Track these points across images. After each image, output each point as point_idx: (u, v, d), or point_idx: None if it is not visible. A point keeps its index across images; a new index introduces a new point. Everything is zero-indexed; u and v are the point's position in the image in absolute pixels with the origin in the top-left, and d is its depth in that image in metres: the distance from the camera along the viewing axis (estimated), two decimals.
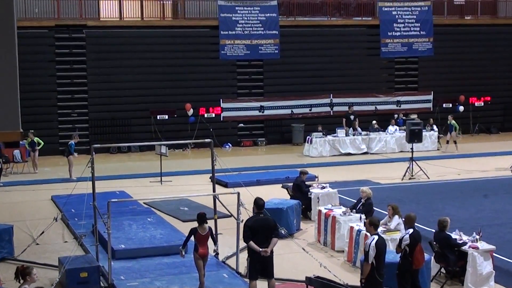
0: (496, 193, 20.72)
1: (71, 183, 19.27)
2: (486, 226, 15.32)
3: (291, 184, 18.71)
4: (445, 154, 28.75)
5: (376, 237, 10.91)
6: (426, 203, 19.20)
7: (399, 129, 30.13)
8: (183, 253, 12.83)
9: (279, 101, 32.59)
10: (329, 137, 29.20)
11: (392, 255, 11.97)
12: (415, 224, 11.97)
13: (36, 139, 25.24)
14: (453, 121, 29.32)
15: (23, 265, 9.71)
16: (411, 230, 11.53)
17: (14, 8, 10.17)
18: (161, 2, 32.71)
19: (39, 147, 25.38)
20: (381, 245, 10.82)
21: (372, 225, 11.21)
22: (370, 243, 10.81)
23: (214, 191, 14.91)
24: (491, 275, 12.76)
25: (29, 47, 28.34)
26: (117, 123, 30.76)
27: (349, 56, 33.60)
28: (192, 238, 12.56)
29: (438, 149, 30.05)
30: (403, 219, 11.99)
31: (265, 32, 32.04)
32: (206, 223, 12.56)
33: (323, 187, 18.49)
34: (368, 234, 13.44)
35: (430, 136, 30.11)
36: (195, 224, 12.47)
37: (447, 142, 29.47)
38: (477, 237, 13.11)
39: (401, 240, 11.53)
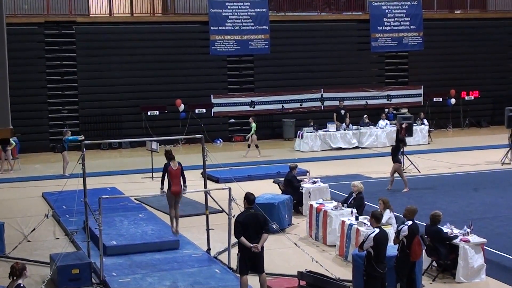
0: (487, 187, 20.80)
1: (62, 180, 19.20)
2: (477, 220, 15.39)
3: (283, 179, 18.73)
4: (428, 148, 28.81)
5: (377, 230, 10.99)
6: (417, 197, 19.24)
7: (390, 123, 30.19)
8: (162, 191, 14.43)
9: (269, 96, 32.61)
10: (320, 132, 29.23)
11: (390, 249, 11.93)
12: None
13: None
14: (254, 124, 27.83)
15: (17, 262, 9.67)
16: (410, 222, 11.54)
17: (3, 5, 10.13)
18: None
19: (10, 147, 25.05)
20: (380, 239, 10.88)
21: (373, 218, 11.29)
22: (369, 235, 10.99)
23: (205, 186, 14.90)
24: (483, 268, 12.82)
25: (19, 43, 28.19)
26: (107, 119, 30.69)
27: (340, 51, 33.62)
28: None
29: (428, 143, 30.13)
30: (404, 211, 11.97)
31: (255, 27, 32.00)
32: (174, 159, 14.34)
33: (314, 182, 18.52)
34: (361, 228, 13.58)
35: (421, 130, 30.17)
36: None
37: (249, 146, 27.83)
38: (468, 230, 13.16)
39: (399, 231, 11.53)
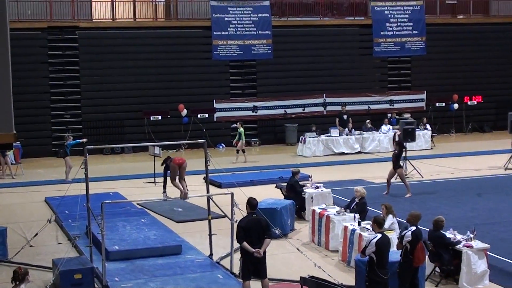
0: (490, 192, 20.75)
1: (65, 185, 19.21)
2: (480, 225, 15.34)
3: (285, 184, 18.71)
4: (431, 153, 28.79)
5: (379, 236, 10.97)
6: (420, 202, 19.20)
7: (393, 128, 30.17)
8: (165, 194, 14.51)
9: (272, 101, 32.60)
10: (323, 137, 29.22)
11: (393, 254, 11.91)
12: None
13: None
14: (241, 129, 27.56)
15: (20, 267, 9.68)
16: (413, 228, 11.53)
17: (6, 10, 10.15)
18: (154, 3, 32.70)
19: (9, 152, 25.10)
20: (382, 244, 10.86)
21: (375, 223, 11.27)
22: (371, 240, 10.95)
23: (208, 191, 14.89)
24: (486, 274, 12.78)
25: (22, 48, 28.25)
26: (110, 124, 30.72)
27: (342, 56, 33.64)
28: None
29: (431, 148, 30.10)
30: (407, 217, 11.96)
31: (257, 32, 32.02)
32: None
33: (317, 187, 18.48)
34: (363, 234, 13.55)
35: (424, 135, 30.15)
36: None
37: (237, 151, 27.48)
38: (471, 235, 13.13)
39: (403, 236, 11.51)
